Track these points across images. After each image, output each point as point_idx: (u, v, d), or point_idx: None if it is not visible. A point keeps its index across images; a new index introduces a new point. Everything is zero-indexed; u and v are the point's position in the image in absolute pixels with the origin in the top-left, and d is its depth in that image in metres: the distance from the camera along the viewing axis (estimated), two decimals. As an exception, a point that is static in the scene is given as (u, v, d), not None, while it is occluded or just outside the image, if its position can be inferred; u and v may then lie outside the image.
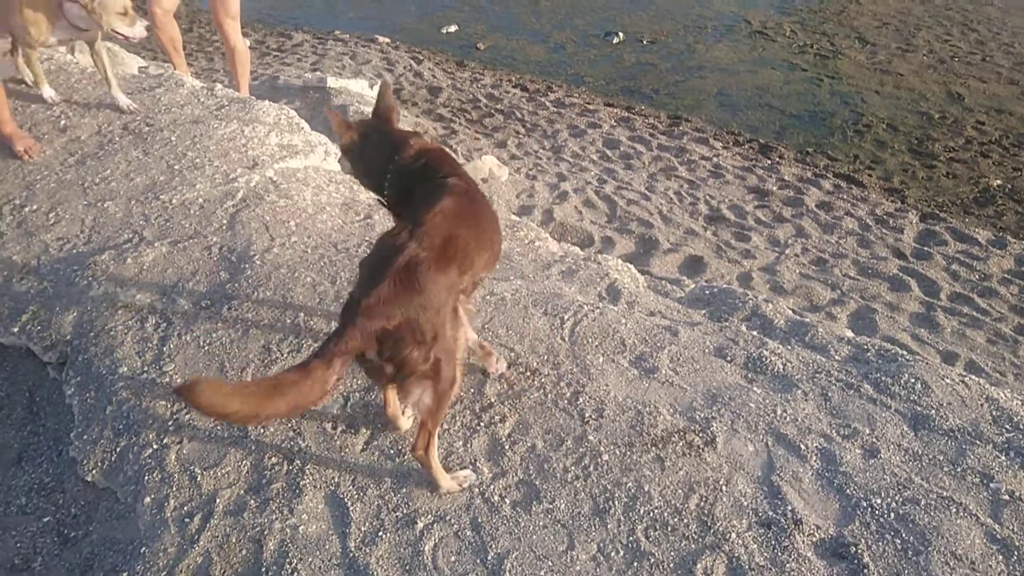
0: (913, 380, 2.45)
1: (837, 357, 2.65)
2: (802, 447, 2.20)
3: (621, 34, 9.50)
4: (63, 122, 3.87)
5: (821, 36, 9.56)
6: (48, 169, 3.48)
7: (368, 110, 6.05)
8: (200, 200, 3.23)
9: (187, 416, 2.29)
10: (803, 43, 9.35)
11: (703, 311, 2.93)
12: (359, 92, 6.80)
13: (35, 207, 3.24)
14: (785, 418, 2.29)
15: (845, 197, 6.03)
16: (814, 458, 2.18)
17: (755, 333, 2.70)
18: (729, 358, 2.53)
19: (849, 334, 2.92)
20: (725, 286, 3.17)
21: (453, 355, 1.91)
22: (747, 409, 2.31)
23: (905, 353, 2.66)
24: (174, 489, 2.11)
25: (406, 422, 2.25)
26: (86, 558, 2.15)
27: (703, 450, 2.16)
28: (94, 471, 2.25)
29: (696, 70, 8.65)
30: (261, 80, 7.14)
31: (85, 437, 2.33)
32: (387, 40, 9.28)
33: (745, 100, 7.95)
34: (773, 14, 10.41)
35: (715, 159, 6.56)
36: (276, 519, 2.01)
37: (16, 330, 2.73)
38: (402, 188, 2.10)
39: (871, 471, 2.14)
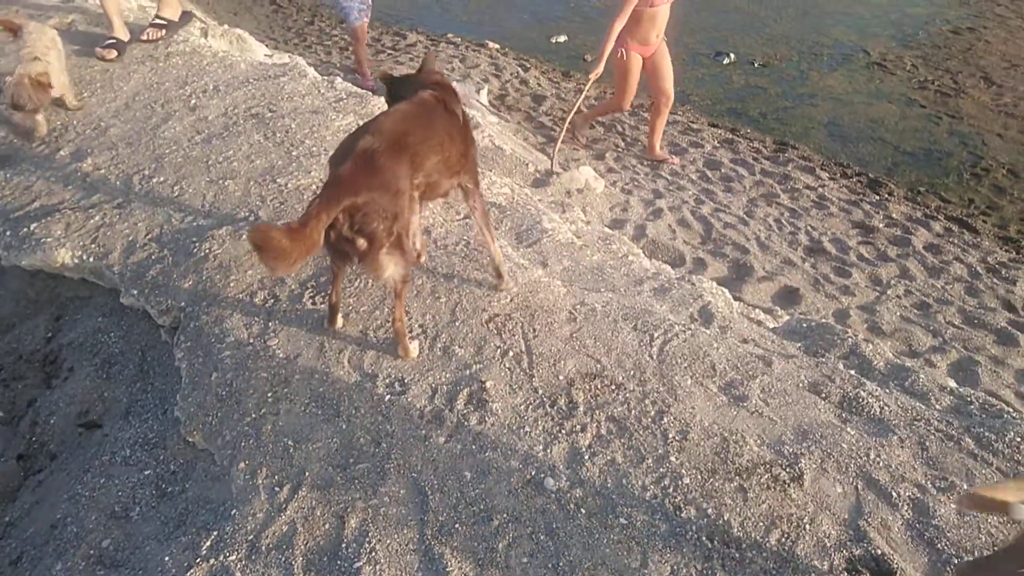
0: (1019, 439, 2.32)
1: (938, 406, 2.54)
2: (894, 495, 2.12)
3: (732, 55, 9.33)
4: (193, 101, 4.12)
5: (944, 73, 9.10)
6: (177, 144, 3.71)
7: (472, 112, 6.17)
8: (314, 187, 3.37)
9: (285, 391, 2.41)
10: (924, 78, 8.93)
11: (799, 344, 2.86)
12: (465, 94, 6.94)
13: (162, 179, 3.46)
14: (878, 463, 2.21)
15: (956, 242, 5.73)
16: (906, 507, 2.10)
17: (852, 372, 2.62)
18: (824, 395, 2.47)
19: (952, 384, 2.79)
20: (823, 320, 3.08)
21: (411, 234, 2.38)
22: (839, 449, 2.24)
23: (1011, 410, 2.52)
24: (267, 458, 2.22)
25: (340, 321, 2.64)
26: (180, 513, 2.27)
27: (789, 486, 2.11)
28: (195, 432, 2.38)
29: (807, 97, 8.40)
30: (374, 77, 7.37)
31: (190, 399, 2.47)
32: (497, 46, 9.42)
33: (857, 132, 7.67)
34: (894, 46, 9.99)
35: (820, 189, 6.36)
36: (359, 498, 2.08)
37: (136, 292, 2.92)
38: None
39: (965, 528, 2.05)
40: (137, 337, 3.02)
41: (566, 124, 6.42)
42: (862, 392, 2.48)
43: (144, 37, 4.58)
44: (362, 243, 2.11)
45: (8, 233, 3.25)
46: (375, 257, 2.16)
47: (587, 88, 6.30)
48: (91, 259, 3.08)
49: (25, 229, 3.22)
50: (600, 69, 5.96)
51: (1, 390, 3.00)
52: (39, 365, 3.10)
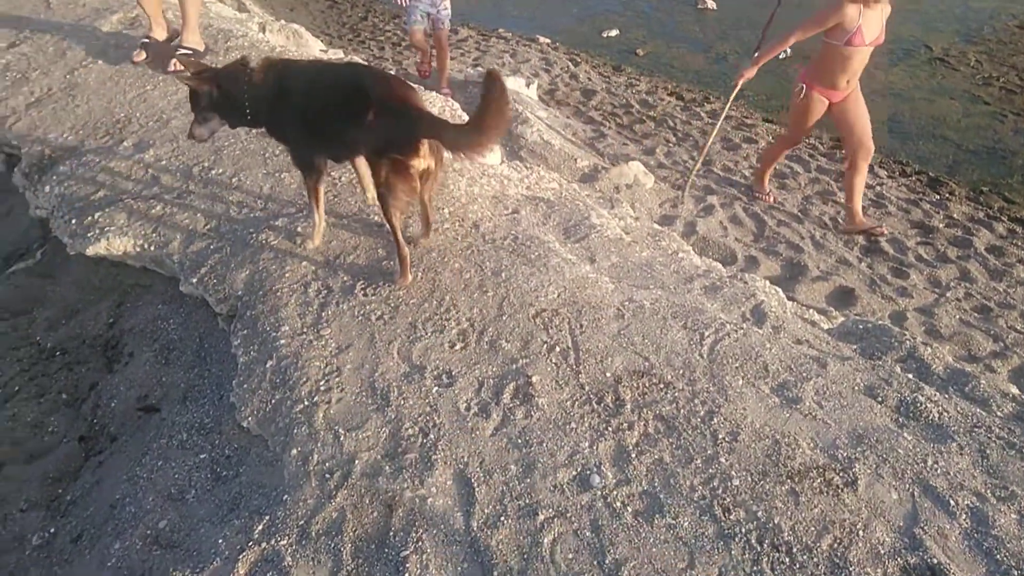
0: (1088, 451, 2.23)
1: (999, 413, 2.45)
2: (952, 503, 2.06)
3: (788, 50, 9.11)
4: (251, 96, 4.21)
5: (1009, 69, 8.75)
6: (235, 138, 3.80)
7: (520, 108, 6.16)
8: (366, 179, 3.41)
9: (337, 380, 2.45)
10: (988, 75, 8.61)
11: (854, 346, 2.79)
12: (515, 90, 6.93)
13: (221, 171, 3.55)
14: (936, 470, 2.14)
15: (1020, 244, 5.51)
16: (964, 516, 2.03)
17: (910, 376, 2.54)
18: (880, 399, 2.40)
19: (1015, 390, 2.69)
20: (880, 322, 2.99)
21: None
22: (895, 455, 2.18)
23: (1079, 420, 2.42)
24: (319, 445, 2.26)
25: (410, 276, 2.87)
26: (234, 497, 2.33)
27: (842, 490, 2.06)
28: (250, 418, 2.44)
29: (867, 94, 8.15)
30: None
31: (245, 386, 2.53)
32: (547, 41, 9.40)
33: (917, 129, 7.44)
34: (957, 41, 9.65)
35: (878, 188, 6.19)
36: (407, 488, 2.11)
37: (195, 281, 3.00)
38: (266, 100, 2.62)
39: (1028, 540, 1.98)
40: (195, 324, 3.11)
41: (705, 149, 5.72)
42: (920, 397, 2.41)
43: (172, 68, 4.50)
44: (432, 164, 2.59)
45: (73, 222, 3.37)
46: (438, 175, 2.73)
47: (732, 96, 5.47)
48: (152, 248, 3.17)
49: (89, 218, 3.34)
50: (751, 73, 5.22)
51: (65, 373, 3.11)
52: (101, 350, 3.21)
